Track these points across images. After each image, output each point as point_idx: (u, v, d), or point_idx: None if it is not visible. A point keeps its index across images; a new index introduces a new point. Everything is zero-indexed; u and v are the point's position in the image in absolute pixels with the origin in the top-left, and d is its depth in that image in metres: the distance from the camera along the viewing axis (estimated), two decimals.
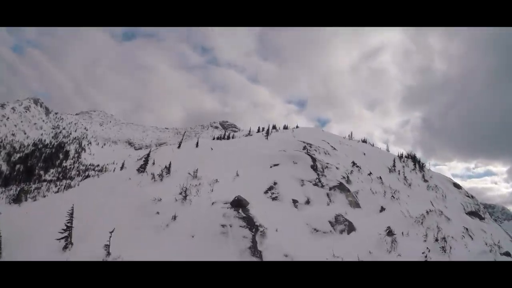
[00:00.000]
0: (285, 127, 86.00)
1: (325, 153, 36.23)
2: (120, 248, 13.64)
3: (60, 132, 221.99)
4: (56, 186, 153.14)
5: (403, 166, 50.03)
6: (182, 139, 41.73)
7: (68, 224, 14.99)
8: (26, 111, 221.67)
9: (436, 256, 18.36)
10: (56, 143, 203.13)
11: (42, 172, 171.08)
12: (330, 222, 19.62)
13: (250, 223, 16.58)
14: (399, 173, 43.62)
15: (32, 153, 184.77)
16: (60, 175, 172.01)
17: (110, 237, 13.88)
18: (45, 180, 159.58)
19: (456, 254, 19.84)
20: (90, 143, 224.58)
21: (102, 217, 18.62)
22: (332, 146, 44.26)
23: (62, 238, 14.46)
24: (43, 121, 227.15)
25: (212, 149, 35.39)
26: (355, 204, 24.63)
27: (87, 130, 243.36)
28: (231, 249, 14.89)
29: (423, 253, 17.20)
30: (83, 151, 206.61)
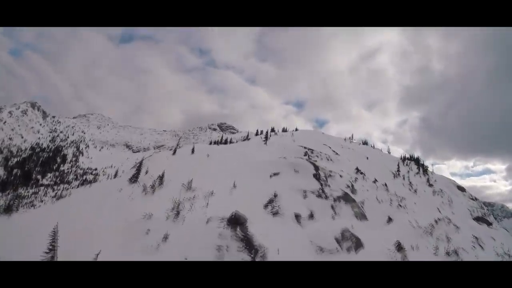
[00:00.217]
0: (284, 130, 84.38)
1: (327, 159, 34.66)
2: None
3: (58, 135, 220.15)
4: (53, 191, 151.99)
5: (408, 171, 48.78)
6: (177, 145, 39.98)
7: (52, 246, 13.55)
8: (23, 115, 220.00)
9: None
10: (53, 147, 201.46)
11: (39, 177, 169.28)
12: (336, 238, 18.03)
13: (249, 244, 14.99)
14: (403, 178, 42.35)
15: (30, 157, 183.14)
16: (58, 179, 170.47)
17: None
18: (42, 185, 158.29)
19: None
20: (88, 146, 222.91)
21: (89, 236, 17.09)
22: (333, 151, 42.76)
23: None
24: (40, 124, 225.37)
25: (208, 156, 33.79)
26: (361, 216, 23.09)
27: (84, 133, 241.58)
28: None
29: None
30: (80, 155, 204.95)
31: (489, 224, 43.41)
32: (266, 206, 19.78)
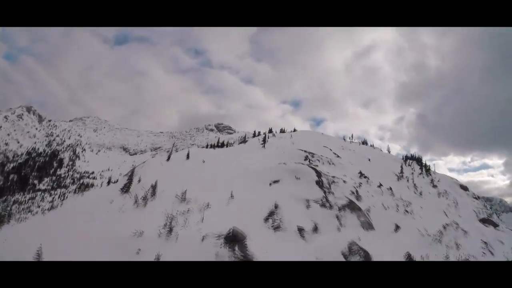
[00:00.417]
0: (282, 131, 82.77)
1: (329, 163, 33.27)
2: None
3: (54, 139, 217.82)
4: (50, 196, 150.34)
5: (412, 173, 47.54)
6: (171, 150, 38.42)
7: None
8: (19, 120, 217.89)
9: None
10: (49, 151, 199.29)
11: (36, 182, 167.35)
12: (343, 253, 16.65)
13: None
14: (408, 180, 41.15)
15: (26, 162, 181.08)
16: (55, 184, 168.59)
17: None
18: (39, 190, 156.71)
19: None
20: (84, 150, 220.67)
21: (78, 255, 15.72)
22: (334, 153, 41.38)
23: None
24: (36, 129, 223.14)
25: (204, 161, 32.32)
26: (368, 225, 21.71)
27: (81, 136, 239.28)
28: None
29: None
30: (77, 159, 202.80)
31: (495, 225, 42.49)
32: (266, 219, 18.32)
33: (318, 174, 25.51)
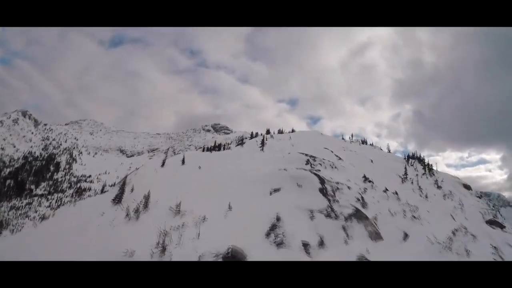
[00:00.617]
0: (280, 132, 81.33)
1: (332, 167, 31.95)
2: None
3: (50, 143, 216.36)
4: (47, 200, 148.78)
5: (417, 174, 46.42)
6: (166, 156, 36.99)
7: None
8: (14, 124, 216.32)
9: None
10: (46, 155, 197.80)
11: (33, 186, 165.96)
12: None
13: None
14: (412, 183, 40.08)
15: (22, 166, 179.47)
16: (52, 188, 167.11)
17: None
18: (36, 195, 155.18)
19: None
20: (81, 153, 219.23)
21: None
22: (336, 155, 40.08)
23: None
24: (32, 133, 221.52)
25: (200, 167, 30.92)
26: (376, 235, 20.39)
27: (77, 140, 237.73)
28: None
29: None
30: (74, 162, 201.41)
31: (502, 227, 41.56)
32: (268, 234, 16.91)
33: (322, 180, 24.14)
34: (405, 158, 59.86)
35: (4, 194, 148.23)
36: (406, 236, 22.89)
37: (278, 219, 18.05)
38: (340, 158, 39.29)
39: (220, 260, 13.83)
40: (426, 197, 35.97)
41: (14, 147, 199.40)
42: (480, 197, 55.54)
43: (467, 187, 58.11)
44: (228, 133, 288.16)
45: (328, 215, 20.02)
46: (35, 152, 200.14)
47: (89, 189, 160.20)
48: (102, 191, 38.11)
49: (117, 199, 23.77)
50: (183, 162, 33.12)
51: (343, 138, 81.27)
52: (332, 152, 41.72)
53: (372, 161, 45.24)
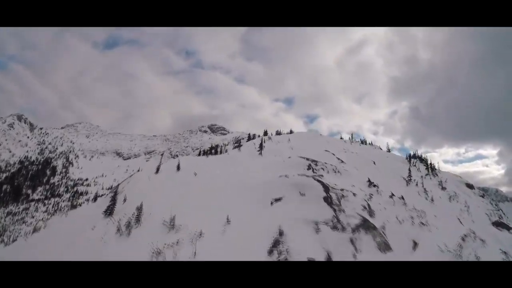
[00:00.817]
0: (278, 133, 79.92)
1: (335, 171, 30.64)
2: None
3: (46, 147, 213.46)
4: (44, 205, 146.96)
5: (421, 176, 45.18)
6: (161, 162, 35.41)
7: None
8: (10, 129, 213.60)
9: None
10: (42, 159, 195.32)
11: (29, 191, 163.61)
12: None
13: None
14: (417, 184, 38.91)
15: (19, 171, 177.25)
16: (48, 192, 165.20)
17: None
18: (33, 200, 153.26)
19: None
20: (77, 156, 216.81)
21: None
22: (338, 158, 38.76)
23: None
24: (28, 137, 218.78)
25: (196, 174, 29.49)
26: (385, 246, 19.16)
27: (73, 143, 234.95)
28: None
29: None
30: (70, 166, 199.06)
31: (508, 229, 40.69)
32: (270, 251, 15.61)
33: (326, 188, 22.80)
34: (407, 158, 58.67)
35: (1, 200, 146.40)
36: (415, 245, 21.70)
37: (280, 233, 16.75)
38: (342, 161, 38.00)
39: None
40: (432, 200, 34.77)
41: (10, 152, 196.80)
42: (483, 196, 54.63)
43: (470, 186, 57.09)
44: (225, 134, 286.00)
45: (334, 227, 18.72)
46: (31, 157, 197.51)
47: (86, 192, 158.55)
48: (95, 199, 36.51)
49: (109, 211, 22.40)
50: (178, 168, 31.72)
51: (342, 138, 79.99)
52: (333, 155, 40.40)
53: (374, 163, 43.98)
